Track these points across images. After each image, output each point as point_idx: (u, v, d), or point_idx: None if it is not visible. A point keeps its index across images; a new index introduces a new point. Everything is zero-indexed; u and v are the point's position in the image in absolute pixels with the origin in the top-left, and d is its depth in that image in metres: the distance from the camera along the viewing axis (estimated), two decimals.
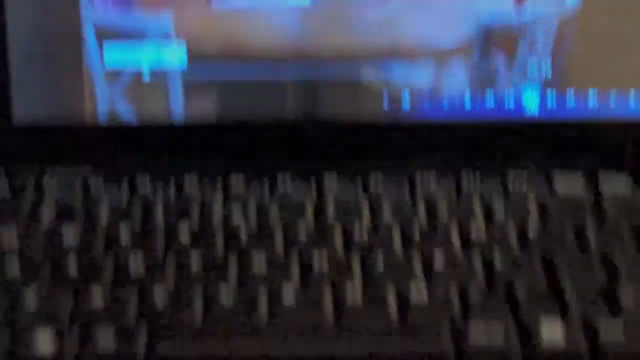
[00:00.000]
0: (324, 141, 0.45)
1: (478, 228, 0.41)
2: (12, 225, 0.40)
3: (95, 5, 0.43)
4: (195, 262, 0.39)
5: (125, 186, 0.43)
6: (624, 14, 0.44)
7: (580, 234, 0.41)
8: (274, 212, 0.42)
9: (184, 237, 0.40)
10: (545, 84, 0.45)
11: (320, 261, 0.39)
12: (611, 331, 0.36)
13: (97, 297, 0.37)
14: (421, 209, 0.42)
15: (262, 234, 0.40)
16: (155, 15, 0.43)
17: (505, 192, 0.43)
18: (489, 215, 0.42)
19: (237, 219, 0.41)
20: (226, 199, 0.43)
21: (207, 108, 0.45)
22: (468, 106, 0.45)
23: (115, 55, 0.44)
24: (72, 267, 0.38)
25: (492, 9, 0.44)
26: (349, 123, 0.45)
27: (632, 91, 0.44)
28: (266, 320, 0.37)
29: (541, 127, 0.45)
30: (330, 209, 0.42)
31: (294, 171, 0.44)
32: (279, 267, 0.39)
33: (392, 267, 0.39)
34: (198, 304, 0.37)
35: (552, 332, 0.36)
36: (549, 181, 0.43)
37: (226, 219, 0.41)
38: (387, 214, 0.42)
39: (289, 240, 0.40)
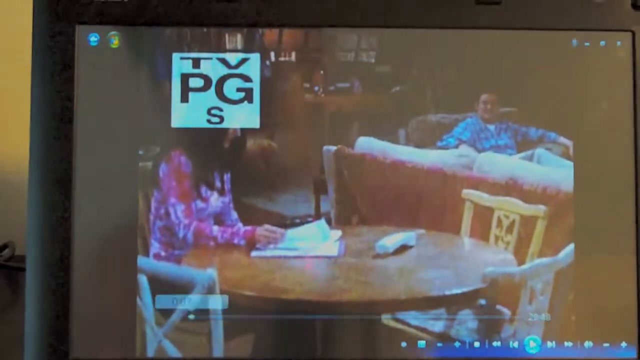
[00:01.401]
0: None
1: None
2: None
3: (150, 259, 0.50)
4: None
5: None
6: (615, 267, 0.50)
7: None
8: None
9: None
10: (545, 329, 0.50)
11: None
12: None
13: None
14: None
15: None
16: (202, 270, 0.50)
17: None
18: None
19: None
20: None
21: (243, 344, 0.50)
22: (477, 346, 0.51)
23: (165, 301, 0.50)
24: None
25: (495, 264, 0.50)
26: None
27: (624, 345, 0.50)
28: None
29: None
30: None
31: None
32: None
33: None
34: None
35: None
36: None
37: None
38: None
39: None
